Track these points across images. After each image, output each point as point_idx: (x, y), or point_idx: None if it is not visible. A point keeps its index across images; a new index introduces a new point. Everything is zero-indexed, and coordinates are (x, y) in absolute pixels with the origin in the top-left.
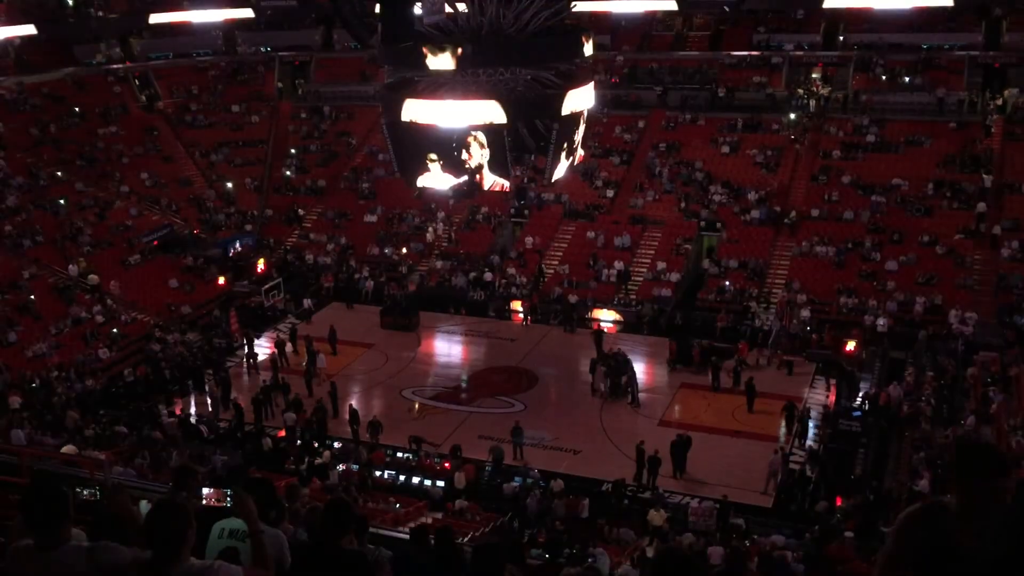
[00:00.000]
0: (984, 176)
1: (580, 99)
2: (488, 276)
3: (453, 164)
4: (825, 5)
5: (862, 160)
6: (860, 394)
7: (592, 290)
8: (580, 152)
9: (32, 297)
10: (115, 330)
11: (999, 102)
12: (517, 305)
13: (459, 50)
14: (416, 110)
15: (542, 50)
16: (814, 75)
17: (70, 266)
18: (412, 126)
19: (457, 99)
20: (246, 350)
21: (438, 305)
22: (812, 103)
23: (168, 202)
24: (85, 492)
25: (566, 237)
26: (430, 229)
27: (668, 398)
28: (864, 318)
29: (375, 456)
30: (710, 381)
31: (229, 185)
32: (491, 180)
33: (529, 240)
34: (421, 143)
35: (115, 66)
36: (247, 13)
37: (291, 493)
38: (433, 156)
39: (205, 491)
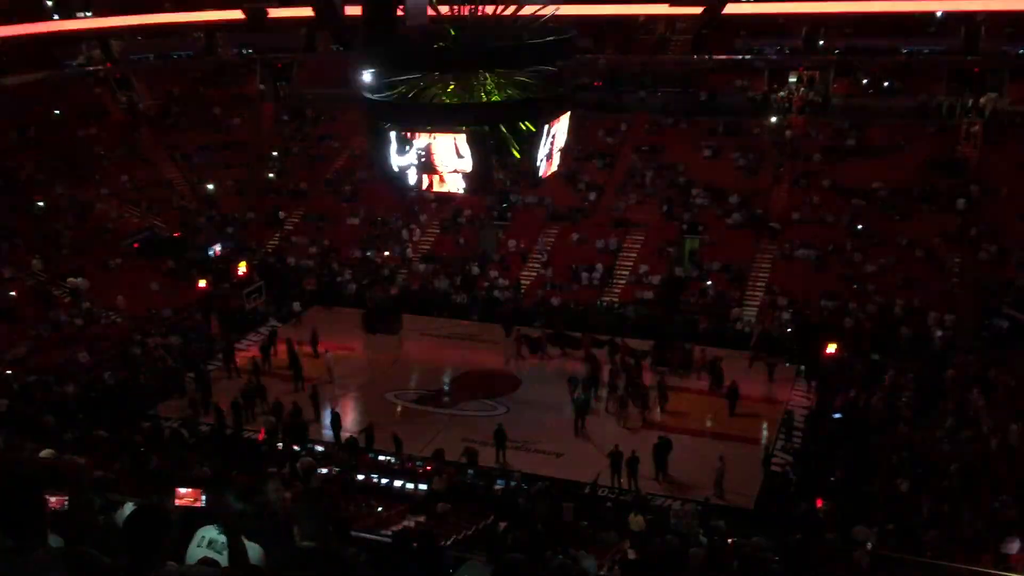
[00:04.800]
0: (971, 185)
1: (563, 102)
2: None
3: (433, 167)
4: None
5: (842, 164)
6: (840, 396)
7: (574, 293)
8: (556, 158)
9: (12, 293)
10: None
11: (978, 106)
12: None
13: (441, 53)
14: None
15: (525, 53)
16: (791, 79)
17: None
18: (396, 129)
19: (440, 102)
20: (226, 353)
21: (421, 308)
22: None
23: (149, 204)
24: (53, 500)
25: (548, 240)
26: (404, 232)
27: (650, 401)
28: (844, 321)
29: (358, 460)
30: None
31: (210, 187)
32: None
33: (512, 243)
34: (402, 145)
35: (95, 67)
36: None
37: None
38: (416, 157)
39: (180, 491)
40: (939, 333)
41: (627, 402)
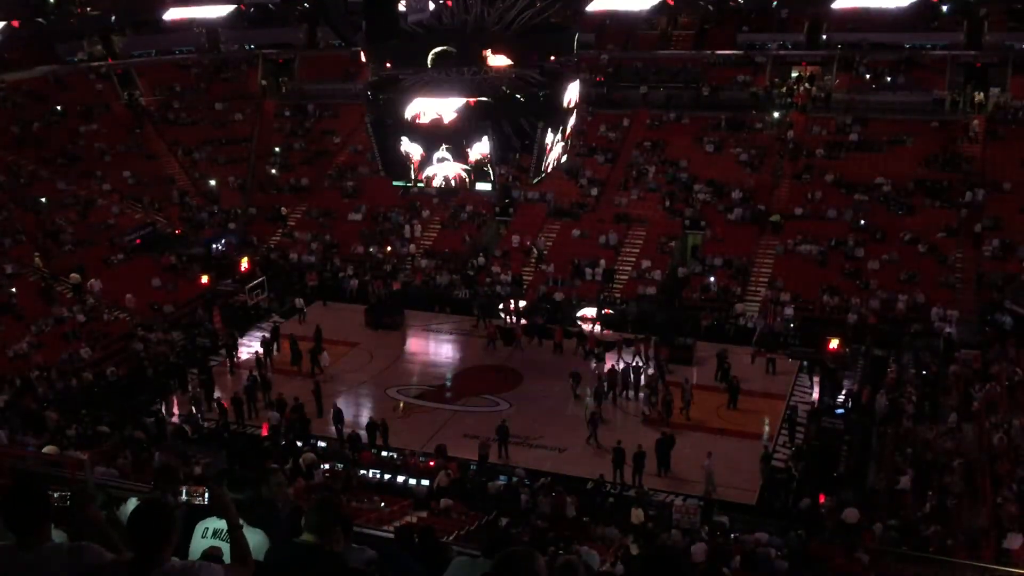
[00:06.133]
0: (974, 180)
1: (566, 96)
2: (474, 269)
3: (436, 161)
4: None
5: (845, 159)
6: (843, 392)
7: (576, 288)
8: (559, 151)
9: (14, 290)
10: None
11: (981, 100)
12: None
13: (444, 48)
14: (401, 108)
15: (527, 48)
16: (794, 74)
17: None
18: (398, 123)
19: (441, 97)
20: (229, 349)
21: (423, 303)
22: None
23: (151, 200)
24: (56, 495)
25: (551, 236)
26: (406, 228)
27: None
28: (847, 316)
29: (362, 456)
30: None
31: (212, 183)
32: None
33: (515, 239)
34: (406, 140)
35: (97, 63)
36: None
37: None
38: (420, 153)
39: (184, 487)
40: (945, 329)
41: (655, 401)
